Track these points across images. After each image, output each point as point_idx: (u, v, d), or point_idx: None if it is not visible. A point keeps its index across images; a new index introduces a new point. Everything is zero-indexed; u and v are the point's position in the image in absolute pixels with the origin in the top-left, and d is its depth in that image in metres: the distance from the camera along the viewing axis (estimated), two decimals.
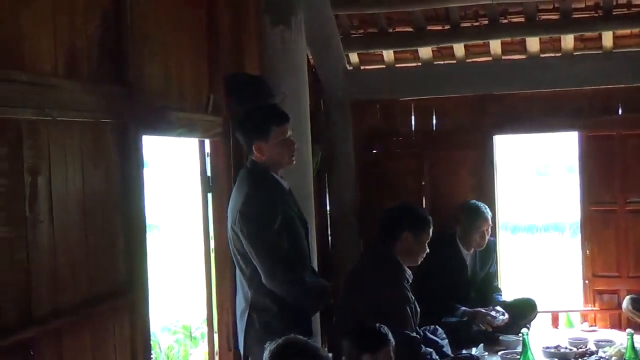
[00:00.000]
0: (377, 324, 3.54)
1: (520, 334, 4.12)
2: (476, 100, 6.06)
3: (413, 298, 4.28)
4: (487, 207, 5.50)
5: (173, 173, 15.44)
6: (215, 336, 4.39)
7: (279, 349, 2.78)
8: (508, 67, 5.94)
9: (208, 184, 4.38)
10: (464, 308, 5.26)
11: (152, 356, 3.67)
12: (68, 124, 3.00)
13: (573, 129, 5.95)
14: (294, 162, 3.78)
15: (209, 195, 4.38)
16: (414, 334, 4.14)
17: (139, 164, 3.44)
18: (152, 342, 7.30)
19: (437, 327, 4.70)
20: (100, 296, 3.16)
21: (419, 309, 4.33)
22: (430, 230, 4.34)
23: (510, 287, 6.67)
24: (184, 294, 9.17)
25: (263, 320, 3.61)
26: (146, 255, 3.48)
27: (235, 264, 3.74)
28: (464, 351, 4.71)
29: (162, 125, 3.68)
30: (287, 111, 4.24)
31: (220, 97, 4.36)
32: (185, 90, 4.04)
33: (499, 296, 5.54)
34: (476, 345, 4.80)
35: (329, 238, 6.19)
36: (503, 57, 5.98)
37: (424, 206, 6.09)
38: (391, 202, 5.72)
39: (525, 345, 3.95)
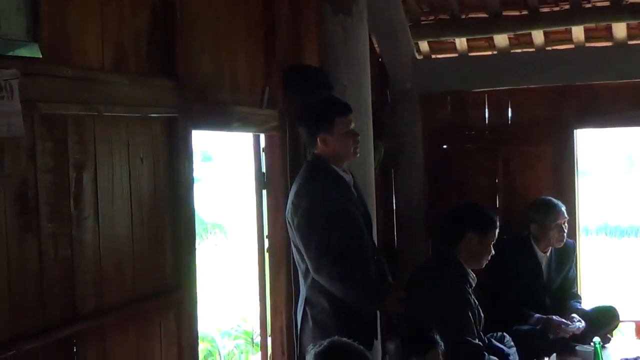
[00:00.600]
0: (426, 326, 3.67)
1: (597, 344, 4.17)
2: (556, 91, 6.08)
3: (476, 303, 4.36)
4: (559, 201, 5.54)
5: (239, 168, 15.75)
6: (269, 340, 4.56)
7: (321, 352, 2.92)
8: (591, 55, 5.93)
9: (263, 181, 4.56)
10: (537, 315, 5.32)
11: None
12: (115, 119, 3.20)
13: None
14: (358, 154, 3.96)
15: (264, 192, 4.55)
16: (476, 341, 4.22)
17: (188, 159, 3.64)
18: (212, 349, 7.56)
19: (504, 334, 4.76)
20: (147, 294, 3.36)
21: (483, 315, 4.41)
22: (496, 232, 4.42)
23: (591, 295, 6.66)
24: (244, 297, 9.41)
25: (316, 316, 3.80)
26: (195, 253, 3.68)
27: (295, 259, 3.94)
28: None
29: (213, 119, 3.87)
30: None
31: (276, 90, 4.53)
32: (240, 83, 4.22)
33: (577, 304, 5.56)
34: (549, 355, 4.85)
35: (395, 237, 6.29)
36: (586, 45, 5.97)
37: (497, 206, 6.16)
38: (462, 200, 5.86)
39: (597, 355, 4.00)
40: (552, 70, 5.96)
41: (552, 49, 6.06)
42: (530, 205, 5.63)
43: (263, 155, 4.58)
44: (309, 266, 3.72)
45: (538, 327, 5.28)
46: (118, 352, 3.18)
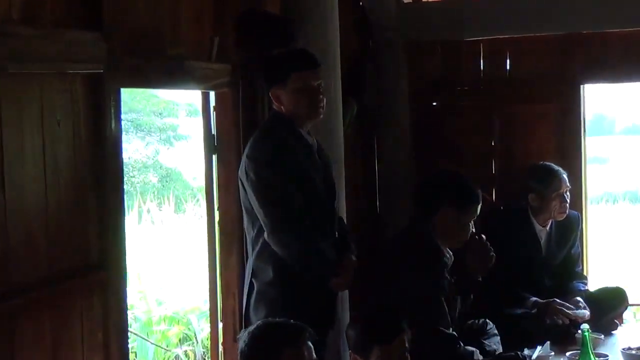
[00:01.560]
0: (392, 310, 3.73)
1: (585, 331, 4.19)
2: (561, 40, 6.08)
3: (451, 285, 4.40)
4: (560, 167, 5.57)
5: None
6: (220, 326, 4.63)
7: (257, 330, 3.01)
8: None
9: (213, 145, 4.61)
10: (534, 298, 5.34)
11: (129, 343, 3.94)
12: (25, 76, 3.24)
13: None
14: (321, 115, 4.02)
15: (214, 158, 4.60)
16: (450, 330, 4.28)
17: (115, 121, 3.68)
18: (188, 332, 7.66)
19: (486, 320, 4.82)
20: (64, 273, 3.43)
21: (458, 300, 4.46)
22: (477, 208, 4.40)
23: (599, 274, 6.71)
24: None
25: (261, 288, 3.93)
26: (123, 226, 3.74)
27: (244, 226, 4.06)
28: (525, 350, 4.83)
29: (147, 75, 3.91)
30: None
31: (228, 40, 4.56)
32: (182, 32, 4.25)
33: (582, 285, 5.58)
34: (542, 343, 4.90)
35: (377, 206, 6.36)
36: None
37: (493, 172, 6.19)
38: (453, 165, 5.92)
39: (584, 345, 4.05)
40: (557, 16, 5.96)
41: None
42: (528, 172, 5.64)
43: (213, 115, 4.62)
44: (264, 225, 3.84)
45: (533, 312, 5.31)
46: (27, 338, 3.24)
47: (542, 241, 5.59)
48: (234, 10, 4.61)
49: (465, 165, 6.12)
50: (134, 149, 18.47)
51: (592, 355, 4.05)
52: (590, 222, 6.55)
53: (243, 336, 3.09)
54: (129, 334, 7.65)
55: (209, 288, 4.65)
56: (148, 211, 14.28)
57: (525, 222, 5.58)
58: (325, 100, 4.02)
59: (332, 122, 4.72)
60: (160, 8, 4.07)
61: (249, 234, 3.99)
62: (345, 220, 4.66)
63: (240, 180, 3.95)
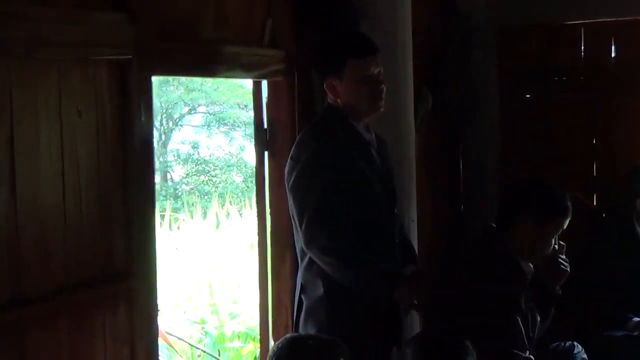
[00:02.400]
0: (458, 330, 3.68)
1: None
2: None
3: (530, 303, 4.32)
4: None
5: None
6: (271, 341, 4.62)
7: (281, 345, 3.00)
8: None
9: (265, 140, 4.60)
10: (637, 319, 5.26)
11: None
12: (42, 62, 3.27)
13: None
14: (381, 108, 3.97)
15: (266, 154, 4.59)
16: (526, 354, 4.20)
17: (146, 112, 3.69)
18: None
19: (574, 343, 4.72)
20: (84, 281, 3.44)
21: (539, 318, 4.37)
22: (563, 221, 4.32)
23: None
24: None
25: (310, 304, 3.89)
26: (154, 230, 3.74)
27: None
28: None
29: (183, 61, 3.91)
30: (378, 41, 4.43)
31: (282, 23, 4.54)
32: (227, 14, 4.23)
33: None
34: None
35: (462, 212, 6.31)
36: None
37: (594, 174, 6.08)
38: (549, 167, 5.83)
39: None
40: None
41: None
42: (634, 172, 5.52)
43: (265, 107, 4.61)
44: (301, 237, 3.79)
45: (635, 334, 5.19)
46: (42, 352, 3.26)
47: None
48: None
49: (563, 167, 6.05)
50: (216, 145, 18.70)
51: None
52: None
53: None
54: (197, 351, 7.79)
55: (260, 302, 4.64)
56: (227, 215, 14.41)
57: (630, 230, 5.48)
58: (385, 91, 3.94)
59: (401, 116, 4.68)
60: None
61: (297, 243, 3.94)
62: (414, 227, 4.61)
63: (286, 183, 3.92)
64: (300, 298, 3.96)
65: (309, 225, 3.74)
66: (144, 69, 3.67)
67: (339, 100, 3.91)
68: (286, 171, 3.90)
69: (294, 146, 3.93)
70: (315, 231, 3.73)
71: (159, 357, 3.85)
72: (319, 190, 3.75)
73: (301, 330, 3.95)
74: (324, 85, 3.93)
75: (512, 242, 4.31)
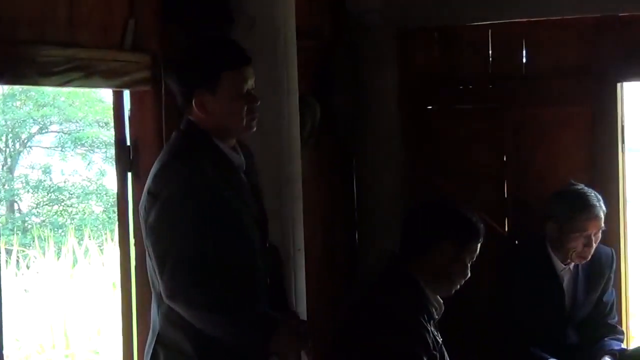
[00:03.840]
0: None
1: None
2: (591, 25, 6.08)
3: (439, 342, 4.42)
4: (598, 195, 5.55)
5: None
6: None
7: None
8: None
9: (129, 158, 4.61)
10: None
11: None
12: None
13: None
14: (254, 128, 3.96)
15: (129, 176, 4.60)
16: None
17: None
18: None
19: None
20: None
21: (447, 358, 4.47)
22: (478, 246, 4.46)
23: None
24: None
25: (169, 358, 3.83)
26: None
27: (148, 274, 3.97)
28: None
29: (28, 68, 3.91)
30: (257, 45, 4.49)
31: (147, 23, 4.56)
32: (82, 13, 4.25)
33: (615, 342, 5.59)
34: None
35: (356, 240, 6.38)
36: None
37: (505, 195, 6.21)
38: (454, 187, 5.94)
39: None
40: None
41: None
42: (555, 194, 5.63)
43: (128, 122, 4.62)
44: (161, 285, 3.73)
45: None
46: None
47: (565, 283, 5.63)
48: None
49: (469, 187, 6.17)
50: (72, 170, 18.49)
51: None
52: (635, 261, 6.52)
53: None
54: None
55: (123, 350, 4.64)
56: (86, 251, 14.28)
57: (544, 258, 5.61)
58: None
59: (285, 129, 4.71)
60: None
61: (154, 286, 3.87)
62: (300, 257, 4.67)
63: (141, 218, 3.85)
64: (154, 350, 3.88)
65: (173, 275, 3.69)
66: None
67: (208, 118, 3.85)
68: (143, 207, 3.82)
69: (151, 177, 3.83)
70: (179, 281, 3.68)
71: None
72: (183, 233, 3.70)
73: None
74: (193, 101, 3.84)
75: (423, 273, 4.40)
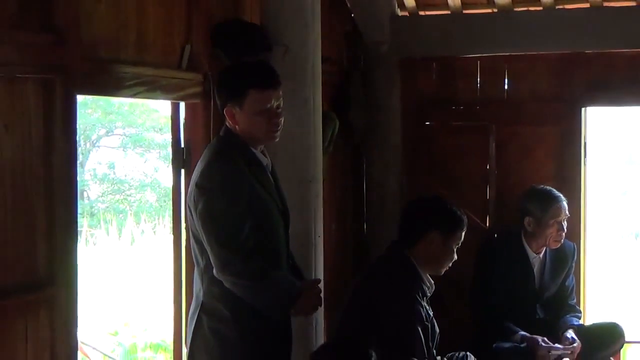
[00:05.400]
0: (361, 340, 3.73)
1: None
2: (561, 59, 6.10)
3: (431, 316, 4.41)
4: (560, 193, 5.57)
5: None
6: (184, 351, 4.60)
7: None
8: (609, 17, 5.95)
9: (182, 158, 4.62)
10: (522, 333, 5.37)
11: None
12: None
13: None
14: (277, 138, 3.95)
15: (182, 172, 4.61)
16: None
17: (69, 128, 3.70)
18: None
19: (467, 354, 4.81)
20: (7, 288, 3.43)
21: (437, 330, 4.46)
22: (463, 234, 4.48)
23: (597, 309, 6.68)
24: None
25: (214, 327, 3.83)
26: (75, 241, 3.75)
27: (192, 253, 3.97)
28: None
29: (105, 82, 3.92)
30: (290, 68, 4.48)
31: (201, 49, 4.58)
32: (149, 39, 4.27)
33: (574, 319, 5.57)
34: None
35: (365, 231, 6.38)
36: (604, 4, 5.97)
37: (487, 197, 6.18)
38: (446, 190, 5.93)
39: None
40: (560, 34, 5.99)
41: (563, 8, 6.07)
42: (526, 194, 5.64)
43: (182, 128, 4.63)
44: (213, 262, 3.73)
45: (522, 345, 5.31)
46: None
47: (535, 269, 5.61)
48: (208, 18, 4.63)
49: (459, 189, 6.16)
50: (131, 166, 18.58)
51: None
52: (592, 254, 6.52)
53: None
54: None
55: (174, 314, 4.63)
56: (142, 232, 14.33)
57: (518, 247, 5.60)
58: (282, 123, 3.92)
59: (311, 138, 4.72)
60: (124, 13, 4.09)
61: (198, 264, 3.88)
62: (320, 242, 4.67)
63: (189, 207, 3.86)
64: (199, 316, 3.87)
65: (223, 251, 3.70)
66: (69, 88, 3.68)
67: (237, 127, 3.85)
68: (192, 199, 3.82)
69: (199, 174, 3.83)
70: (229, 256, 3.70)
71: None
72: (229, 217, 3.72)
73: (201, 348, 3.89)
74: (224, 111, 3.86)
75: (417, 256, 4.41)
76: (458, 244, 4.51)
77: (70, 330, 3.73)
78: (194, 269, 4.14)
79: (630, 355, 6.03)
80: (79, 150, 17.78)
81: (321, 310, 4.51)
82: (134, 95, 4.16)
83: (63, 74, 3.64)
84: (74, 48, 3.70)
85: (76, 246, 3.76)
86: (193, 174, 3.91)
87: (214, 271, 3.74)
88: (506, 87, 6.26)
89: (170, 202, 4.74)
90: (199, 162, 3.91)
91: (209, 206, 3.75)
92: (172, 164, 4.64)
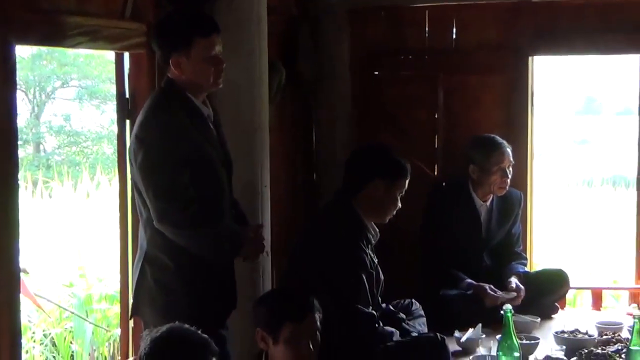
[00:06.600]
0: (305, 287, 3.74)
1: (508, 312, 4.17)
2: (509, 8, 6.06)
3: (375, 263, 4.44)
4: (504, 141, 5.59)
5: None
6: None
7: (157, 339, 3.03)
8: None
9: (127, 109, 4.57)
10: (468, 280, 5.43)
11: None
12: None
13: (634, 50, 5.93)
14: (220, 85, 3.96)
15: (127, 123, 4.56)
16: (369, 309, 4.30)
17: (9, 79, 3.64)
18: None
19: (412, 300, 4.85)
20: None
21: (382, 277, 4.49)
22: (406, 182, 4.51)
23: (543, 257, 6.76)
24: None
25: (157, 276, 3.84)
26: (16, 198, 3.70)
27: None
28: (456, 333, 4.88)
29: (44, 31, 3.86)
30: (235, 18, 4.45)
31: None
32: None
33: (520, 266, 5.64)
34: (474, 325, 4.93)
35: (315, 182, 6.36)
36: None
37: (436, 146, 6.20)
38: (395, 139, 5.93)
39: (506, 326, 4.06)
40: None
41: None
42: (470, 143, 5.67)
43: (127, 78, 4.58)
44: (152, 213, 3.73)
45: (469, 293, 5.35)
46: None
47: (482, 217, 5.65)
48: None
49: (408, 138, 6.16)
50: (88, 118, 18.43)
51: (514, 337, 4.06)
52: (540, 202, 6.56)
53: (145, 340, 3.08)
54: (65, 313, 7.66)
55: (120, 265, 4.61)
56: (98, 185, 14.20)
57: (465, 195, 5.64)
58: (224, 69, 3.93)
59: (256, 88, 4.69)
60: None
61: (141, 214, 3.89)
62: (267, 192, 4.66)
63: (129, 159, 3.85)
64: (143, 265, 3.88)
65: (161, 202, 3.71)
66: (7, 39, 3.62)
67: (182, 76, 3.84)
68: (132, 149, 3.82)
69: (137, 124, 3.83)
70: (167, 207, 3.70)
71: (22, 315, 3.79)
72: (168, 168, 3.72)
73: (146, 298, 3.91)
74: (170, 61, 3.84)
75: (361, 204, 4.42)
76: (402, 192, 4.53)
77: (12, 279, 3.69)
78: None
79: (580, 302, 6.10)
80: (34, 102, 17.68)
81: (268, 259, 4.54)
82: (75, 45, 4.10)
83: (1, 23, 3.57)
84: None
85: (17, 204, 3.70)
86: (134, 126, 3.88)
87: (154, 222, 3.73)
88: (454, 36, 6.22)
89: None
90: (139, 114, 3.88)
91: (147, 158, 3.75)
92: (117, 115, 4.61)
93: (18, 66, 3.72)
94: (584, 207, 13.33)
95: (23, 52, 15.10)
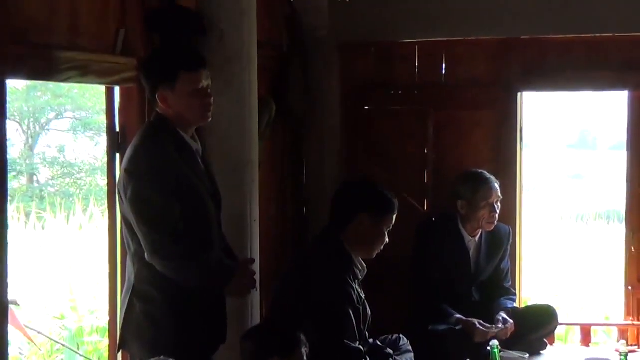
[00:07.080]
0: (293, 322, 3.75)
1: (494, 348, 4.20)
2: (498, 44, 6.13)
3: (362, 298, 4.45)
4: (492, 176, 5.63)
5: None
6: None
7: None
8: (542, 4, 5.96)
9: (117, 142, 4.60)
10: (458, 316, 5.42)
11: None
12: None
13: (621, 87, 5.99)
14: (209, 119, 3.99)
15: (117, 157, 4.59)
16: (356, 344, 4.30)
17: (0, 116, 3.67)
18: None
19: (400, 336, 4.86)
20: None
21: (369, 312, 4.50)
22: (393, 217, 4.52)
23: (532, 292, 6.76)
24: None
25: (146, 309, 3.85)
26: (5, 230, 3.70)
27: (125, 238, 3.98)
28: None
29: (37, 66, 3.89)
30: (225, 53, 4.48)
31: (135, 33, 4.55)
32: (81, 23, 4.21)
33: (509, 302, 5.65)
34: None
35: (305, 215, 6.37)
36: None
37: (425, 181, 6.22)
38: (385, 173, 5.97)
39: None
40: (495, 20, 6.01)
41: None
42: (457, 178, 5.71)
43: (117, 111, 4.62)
44: (144, 246, 3.74)
45: (457, 328, 5.35)
46: None
47: (471, 252, 5.67)
48: (142, 2, 4.60)
49: (397, 173, 6.19)
50: (82, 150, 18.46)
51: None
52: (529, 236, 6.58)
53: None
54: (56, 345, 7.64)
55: (109, 303, 4.61)
56: (90, 216, 14.19)
57: (454, 230, 5.65)
58: (213, 103, 3.95)
59: (246, 122, 4.71)
60: None
61: (129, 248, 3.90)
62: (256, 227, 4.68)
63: (120, 192, 3.86)
64: (131, 299, 3.90)
65: (152, 236, 3.73)
66: None
67: (170, 110, 3.88)
68: (121, 183, 3.84)
69: (126, 159, 3.85)
70: (157, 240, 3.72)
71: (13, 347, 3.80)
72: (158, 200, 3.73)
73: (133, 332, 3.92)
74: (156, 96, 3.88)
75: (349, 239, 4.44)
76: (389, 227, 4.54)
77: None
78: None
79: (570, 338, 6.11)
80: (29, 133, 17.72)
81: (257, 293, 4.55)
82: (66, 80, 4.13)
83: None
84: (3, 31, 3.66)
85: (6, 228, 3.72)
86: (123, 160, 3.91)
87: (146, 255, 3.76)
88: (444, 71, 6.27)
89: None
90: (128, 148, 3.92)
91: (137, 191, 3.76)
92: (107, 148, 4.63)
93: (12, 97, 3.77)
94: (577, 242, 13.34)
95: (17, 84, 15.17)
